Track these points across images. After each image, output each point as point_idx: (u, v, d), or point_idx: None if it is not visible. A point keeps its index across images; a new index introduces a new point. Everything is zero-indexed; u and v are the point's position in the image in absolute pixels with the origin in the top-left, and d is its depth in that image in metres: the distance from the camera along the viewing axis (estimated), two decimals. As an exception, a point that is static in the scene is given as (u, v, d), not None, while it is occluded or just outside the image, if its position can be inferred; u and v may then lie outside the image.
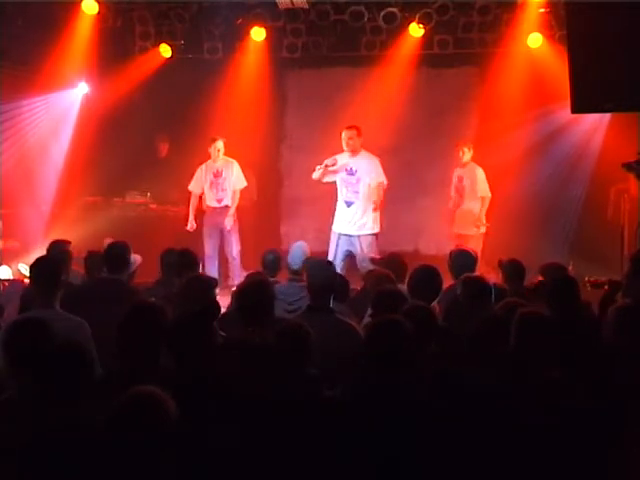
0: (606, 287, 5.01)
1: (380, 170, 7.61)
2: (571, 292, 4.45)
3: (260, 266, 5.90)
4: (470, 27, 9.14)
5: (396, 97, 9.32)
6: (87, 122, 9.36)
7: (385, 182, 7.63)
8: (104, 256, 5.09)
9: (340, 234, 7.66)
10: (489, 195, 8.48)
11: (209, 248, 8.36)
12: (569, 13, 6.58)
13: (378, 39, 9.34)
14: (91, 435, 2.71)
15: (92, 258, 5.50)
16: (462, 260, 5.49)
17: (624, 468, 3.11)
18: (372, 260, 6.14)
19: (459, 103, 9.77)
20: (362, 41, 9.39)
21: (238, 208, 8.62)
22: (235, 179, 8.52)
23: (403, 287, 4.85)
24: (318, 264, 4.86)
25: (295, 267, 5.40)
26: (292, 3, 8.72)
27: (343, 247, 7.59)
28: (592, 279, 5.71)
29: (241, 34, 9.38)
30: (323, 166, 7.51)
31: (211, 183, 8.51)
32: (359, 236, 7.57)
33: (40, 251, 6.22)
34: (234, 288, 7.83)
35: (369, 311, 4.36)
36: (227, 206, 8.49)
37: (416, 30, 9.05)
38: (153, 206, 9.51)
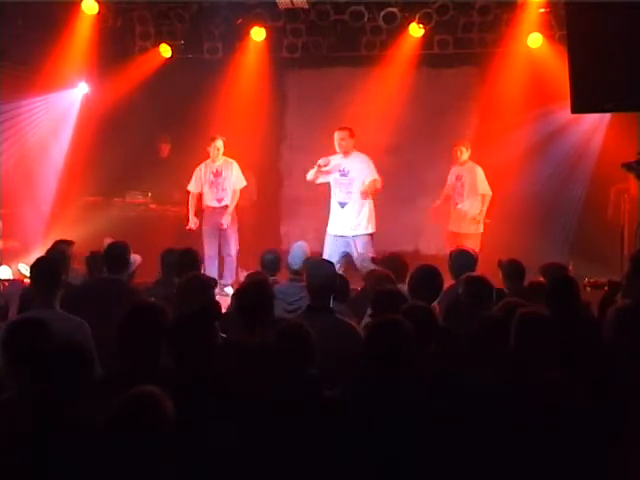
0: (606, 288, 5.01)
1: (373, 169, 7.61)
2: (571, 292, 4.45)
3: (260, 266, 5.90)
4: (470, 27, 9.14)
5: (396, 97, 9.32)
6: (87, 122, 9.36)
7: (378, 178, 7.62)
8: (104, 256, 5.09)
9: (335, 236, 7.66)
10: (490, 193, 8.50)
11: (209, 249, 8.36)
12: (569, 13, 6.58)
13: (378, 39, 9.34)
14: (91, 435, 2.71)
15: (94, 258, 5.50)
16: (462, 260, 5.50)
17: (624, 468, 3.11)
18: (373, 260, 6.14)
19: (459, 103, 9.77)
20: (362, 41, 9.39)
21: (238, 208, 8.62)
22: (235, 179, 8.51)
23: (403, 287, 4.85)
24: (318, 264, 4.86)
25: (295, 267, 5.40)
26: (292, 3, 8.73)
27: (340, 249, 7.58)
28: (592, 280, 5.70)
29: (241, 34, 9.38)
30: (316, 166, 7.52)
31: (211, 183, 8.51)
32: (354, 237, 7.57)
33: (40, 251, 6.23)
34: (226, 288, 7.92)
35: (369, 311, 4.36)
36: (227, 206, 8.48)
37: (416, 30, 9.05)
38: (153, 206, 9.51)
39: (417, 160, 9.82)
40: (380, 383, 3.16)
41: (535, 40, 8.95)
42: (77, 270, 5.60)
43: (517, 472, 3.07)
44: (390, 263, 5.64)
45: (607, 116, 8.54)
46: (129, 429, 2.56)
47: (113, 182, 9.38)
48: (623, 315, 3.68)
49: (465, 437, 3.06)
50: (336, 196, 7.70)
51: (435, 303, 4.50)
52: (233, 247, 8.48)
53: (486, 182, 8.50)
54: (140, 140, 9.48)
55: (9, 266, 7.81)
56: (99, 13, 8.89)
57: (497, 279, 5.14)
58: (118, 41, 9.55)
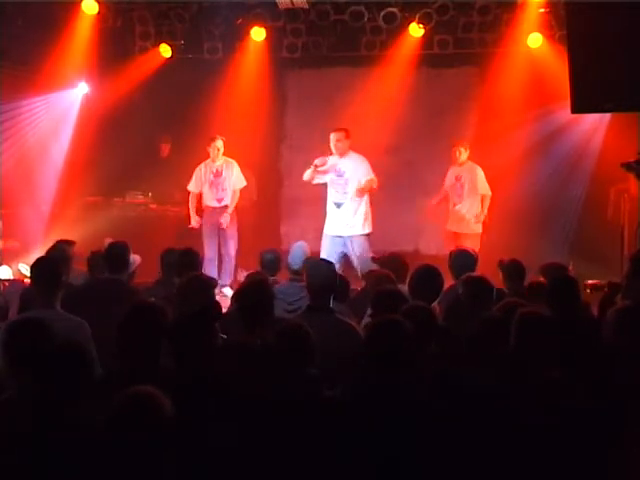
0: (606, 289, 5.01)
1: (369, 170, 7.61)
2: (571, 292, 4.45)
3: (259, 266, 5.91)
4: (470, 27, 9.14)
5: (396, 97, 9.32)
6: (87, 122, 9.36)
7: (375, 179, 7.62)
8: (104, 256, 5.09)
9: (332, 236, 7.67)
10: (489, 193, 8.51)
11: (209, 250, 8.34)
12: (569, 13, 6.58)
13: (378, 39, 9.34)
14: (91, 435, 2.71)
15: (95, 258, 5.50)
16: (462, 260, 5.50)
17: (624, 468, 3.11)
18: (373, 259, 6.14)
19: (459, 103, 9.77)
20: (362, 41, 9.39)
21: (238, 208, 8.62)
22: (235, 179, 8.51)
23: (403, 287, 4.85)
24: (318, 264, 4.86)
25: (295, 267, 5.40)
26: (292, 3, 8.73)
27: (337, 249, 7.58)
28: (592, 282, 5.70)
29: (241, 34, 9.38)
30: (312, 166, 7.54)
31: (211, 183, 8.50)
32: (350, 237, 7.58)
33: (40, 251, 6.22)
34: (224, 289, 7.92)
35: (369, 311, 4.36)
36: (227, 206, 8.48)
37: (416, 30, 9.06)
38: (153, 206, 9.51)
39: (417, 160, 9.82)
40: (380, 383, 3.16)
41: (535, 40, 8.96)
42: (78, 271, 5.59)
43: (517, 472, 3.07)
44: (390, 263, 5.64)
45: (607, 116, 8.54)
46: (128, 429, 2.56)
47: (113, 182, 9.39)
48: (623, 315, 3.68)
49: (465, 437, 3.06)
50: (332, 196, 7.71)
51: (435, 303, 4.51)
52: (232, 247, 8.48)
53: (486, 182, 8.51)
54: (140, 140, 9.48)
55: (9, 266, 7.81)
56: (99, 13, 8.89)
57: (497, 279, 5.14)
58: (118, 41, 9.55)
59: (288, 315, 4.63)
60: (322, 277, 4.39)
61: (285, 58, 9.63)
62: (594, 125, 8.94)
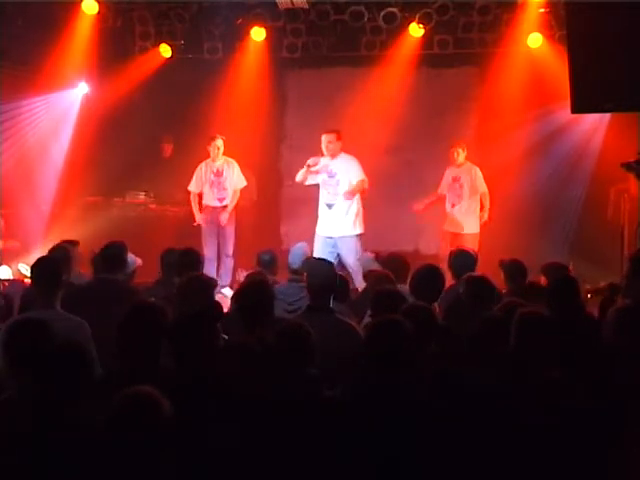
0: (605, 292, 5.01)
1: (360, 170, 7.63)
2: (571, 292, 4.45)
3: (256, 266, 5.92)
4: (470, 27, 9.14)
5: (396, 97, 9.32)
6: (87, 122, 9.37)
7: (365, 179, 7.64)
8: (101, 256, 5.09)
9: (324, 237, 7.70)
10: (487, 191, 8.52)
11: (209, 250, 8.33)
12: (569, 13, 6.58)
13: (378, 39, 9.34)
14: (91, 435, 2.71)
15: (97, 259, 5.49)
16: (462, 260, 5.51)
17: (624, 468, 3.11)
18: (376, 258, 6.13)
19: (459, 103, 9.77)
20: (362, 41, 9.39)
21: (238, 208, 8.62)
22: (236, 178, 8.51)
23: (403, 287, 4.85)
24: (318, 264, 4.87)
25: (295, 267, 5.40)
26: (292, 3, 8.73)
27: (329, 250, 7.59)
28: (591, 287, 5.70)
29: (241, 34, 9.38)
30: (305, 166, 7.57)
31: (211, 182, 8.50)
32: (341, 237, 7.60)
33: (40, 251, 6.22)
34: (224, 289, 7.93)
35: (369, 311, 4.36)
36: (227, 206, 8.50)
37: (416, 30, 9.06)
38: (153, 206, 9.51)
39: (417, 160, 9.82)
40: (380, 383, 3.15)
41: (535, 40, 8.96)
42: (80, 272, 5.58)
43: (517, 472, 3.07)
44: (391, 263, 5.65)
45: (607, 116, 8.54)
46: (126, 429, 2.57)
47: (113, 182, 9.39)
48: (623, 315, 3.68)
49: (465, 437, 3.06)
50: (324, 197, 7.75)
51: (435, 303, 4.51)
52: (231, 247, 8.49)
53: (483, 181, 8.53)
54: (140, 140, 9.48)
55: (9, 266, 7.81)
56: (99, 13, 8.89)
57: (497, 279, 5.14)
58: (118, 41, 9.55)
59: (288, 315, 4.63)
60: (322, 277, 4.39)
61: (285, 58, 9.63)
62: (594, 125, 8.94)
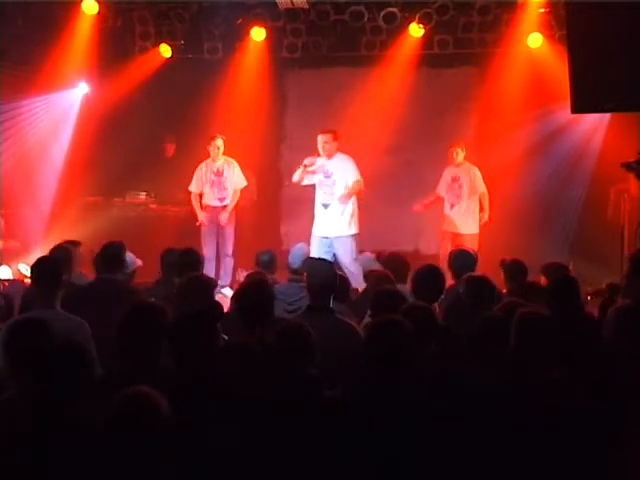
0: (605, 293, 5.01)
1: (356, 171, 7.65)
2: (571, 292, 4.45)
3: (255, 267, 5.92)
4: (470, 27, 9.14)
5: (396, 97, 9.32)
6: (87, 122, 9.37)
7: (361, 180, 7.66)
8: (99, 256, 5.10)
9: (320, 237, 7.72)
10: (486, 192, 8.52)
11: (208, 250, 8.34)
12: (569, 13, 6.58)
13: (378, 39, 9.34)
14: (91, 435, 2.71)
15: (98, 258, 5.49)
16: (462, 260, 5.51)
17: (624, 468, 3.11)
18: (378, 258, 6.13)
19: (459, 103, 9.77)
20: (362, 41, 9.39)
21: (238, 208, 8.62)
22: (236, 178, 8.52)
23: (403, 287, 4.85)
24: (318, 264, 4.87)
25: (295, 267, 5.40)
26: (292, 3, 8.73)
27: (325, 250, 7.60)
28: (592, 290, 5.68)
29: (241, 34, 9.38)
30: (302, 166, 7.59)
31: (212, 182, 8.50)
32: (337, 237, 7.62)
33: (40, 251, 6.22)
34: (224, 289, 7.93)
35: (369, 311, 4.36)
36: (228, 205, 8.50)
37: (416, 30, 9.06)
38: (153, 206, 9.51)
39: (417, 160, 9.82)
40: (380, 383, 3.15)
41: (535, 40, 8.96)
42: (81, 272, 5.58)
43: (517, 472, 3.07)
44: (392, 263, 5.65)
45: (607, 116, 8.54)
46: (124, 429, 2.57)
47: (113, 182, 9.39)
48: (623, 315, 3.68)
49: (465, 437, 3.06)
50: (320, 197, 7.77)
51: (435, 303, 4.51)
52: (230, 247, 8.49)
53: (482, 181, 8.53)
54: (140, 140, 9.48)
55: (9, 266, 7.81)
56: (99, 13, 8.89)
57: (497, 279, 5.14)
58: (118, 41, 9.55)
59: (288, 315, 4.63)
60: (322, 277, 4.39)
61: (285, 58, 9.63)
62: (594, 125, 8.94)
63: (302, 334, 3.32)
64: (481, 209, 8.55)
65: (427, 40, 9.21)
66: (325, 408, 3.16)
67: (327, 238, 7.66)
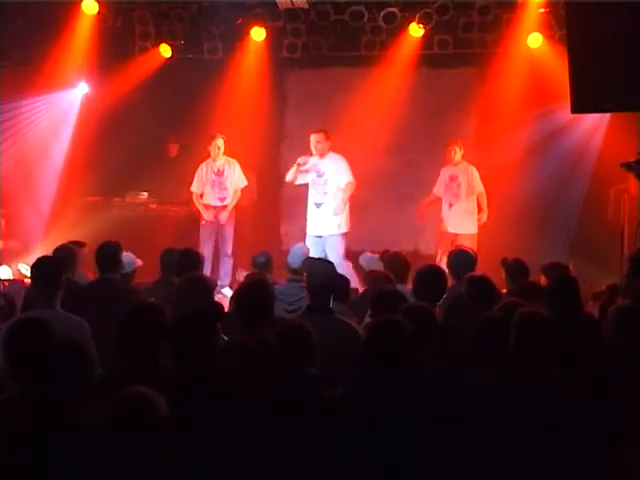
0: (605, 294, 5.01)
1: (348, 171, 7.73)
2: (572, 292, 4.45)
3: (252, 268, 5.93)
4: (470, 27, 9.14)
5: (396, 97, 9.32)
6: (87, 122, 9.36)
7: (353, 181, 7.73)
8: (95, 256, 5.10)
9: (313, 236, 7.77)
10: (484, 191, 8.52)
11: (206, 250, 8.33)
12: (569, 13, 6.57)
13: (378, 39, 9.34)
14: (91, 435, 2.71)
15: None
16: (462, 260, 5.51)
17: (624, 468, 3.11)
18: (381, 257, 6.13)
19: (459, 103, 9.77)
20: (362, 41, 9.39)
21: (238, 208, 8.62)
22: (237, 178, 8.53)
23: (403, 287, 4.85)
24: (318, 264, 4.87)
25: (294, 267, 5.40)
26: (292, 3, 8.73)
27: (319, 249, 7.63)
28: (590, 295, 5.67)
29: (241, 34, 9.38)
30: (295, 165, 7.63)
31: (213, 182, 8.50)
32: (328, 236, 7.68)
33: (40, 251, 6.22)
34: (224, 289, 7.94)
35: (368, 312, 4.36)
36: (228, 205, 8.50)
37: (416, 30, 9.06)
38: (153, 206, 9.51)
39: (417, 160, 9.81)
40: (380, 383, 3.15)
41: (535, 40, 8.96)
42: (82, 272, 5.58)
43: (517, 472, 3.07)
44: (393, 262, 5.65)
45: (607, 116, 8.54)
46: (122, 429, 2.57)
47: (113, 182, 9.39)
48: (623, 315, 3.69)
49: (465, 437, 3.06)
50: (312, 197, 7.87)
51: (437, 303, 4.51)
52: (231, 247, 8.49)
53: (480, 181, 8.53)
54: (140, 140, 9.48)
55: (9, 266, 7.81)
56: (99, 13, 8.89)
57: (497, 279, 5.14)
58: (118, 41, 9.55)
59: (288, 315, 4.63)
60: (322, 277, 4.39)
61: (285, 58, 9.63)
62: (594, 125, 8.93)
63: (302, 334, 3.33)
64: (479, 210, 8.54)
65: (427, 40, 9.20)
66: (325, 408, 3.16)
67: (320, 237, 7.72)
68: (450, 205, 8.60)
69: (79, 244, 5.68)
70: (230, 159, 8.54)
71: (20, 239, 8.70)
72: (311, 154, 7.82)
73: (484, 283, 4.57)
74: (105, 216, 8.85)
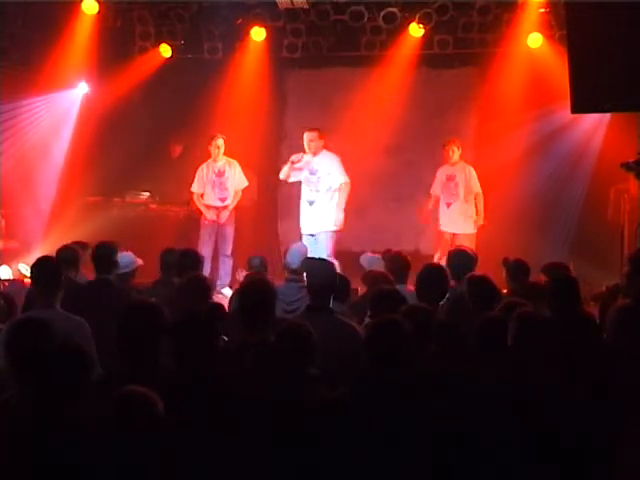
0: (605, 294, 5.01)
1: (341, 169, 7.77)
2: (572, 292, 4.45)
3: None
4: (470, 27, 9.14)
5: (396, 97, 9.32)
6: (87, 122, 9.36)
7: (347, 181, 7.74)
8: (91, 257, 5.11)
9: (307, 235, 7.80)
10: (481, 192, 8.51)
11: (205, 250, 8.32)
12: (569, 13, 6.57)
13: (378, 39, 9.34)
14: (91, 435, 2.71)
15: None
16: (461, 260, 5.50)
17: (624, 468, 3.11)
18: (383, 257, 6.12)
19: (459, 103, 9.77)
20: (362, 41, 9.39)
21: (238, 208, 8.62)
22: (238, 178, 8.53)
23: (402, 288, 4.85)
24: (318, 264, 4.86)
25: (294, 267, 5.40)
26: (292, 3, 8.73)
27: (316, 247, 7.63)
28: (591, 296, 5.67)
29: (241, 34, 9.38)
30: (289, 162, 7.69)
31: (213, 183, 8.50)
32: (319, 233, 7.75)
33: (40, 251, 6.22)
34: (224, 289, 7.94)
35: (368, 312, 4.35)
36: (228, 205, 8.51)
37: (416, 30, 9.06)
38: (153, 206, 9.51)
39: (417, 160, 9.81)
40: (380, 383, 3.15)
41: (535, 40, 8.95)
42: (82, 273, 5.58)
43: (518, 472, 3.07)
44: (394, 262, 5.64)
45: (607, 116, 8.53)
46: (120, 429, 2.57)
47: (113, 182, 9.39)
48: (623, 315, 3.68)
49: (465, 437, 3.06)
50: (305, 194, 7.92)
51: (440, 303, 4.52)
52: (230, 247, 8.49)
53: (477, 182, 8.52)
54: (140, 140, 9.49)
55: (9, 266, 7.81)
56: (99, 13, 8.88)
57: (497, 279, 5.14)
58: (118, 41, 9.55)
59: (287, 316, 4.62)
60: (322, 277, 4.39)
61: (285, 58, 9.63)
62: (594, 125, 8.93)
63: (303, 334, 3.33)
64: (476, 212, 8.49)
65: (427, 40, 9.20)
66: (325, 408, 3.16)
67: (313, 235, 7.76)
68: (448, 204, 8.57)
69: (83, 245, 5.69)
70: (231, 160, 8.54)
71: (20, 239, 8.70)
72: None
73: (484, 283, 4.57)
74: (105, 216, 8.85)
